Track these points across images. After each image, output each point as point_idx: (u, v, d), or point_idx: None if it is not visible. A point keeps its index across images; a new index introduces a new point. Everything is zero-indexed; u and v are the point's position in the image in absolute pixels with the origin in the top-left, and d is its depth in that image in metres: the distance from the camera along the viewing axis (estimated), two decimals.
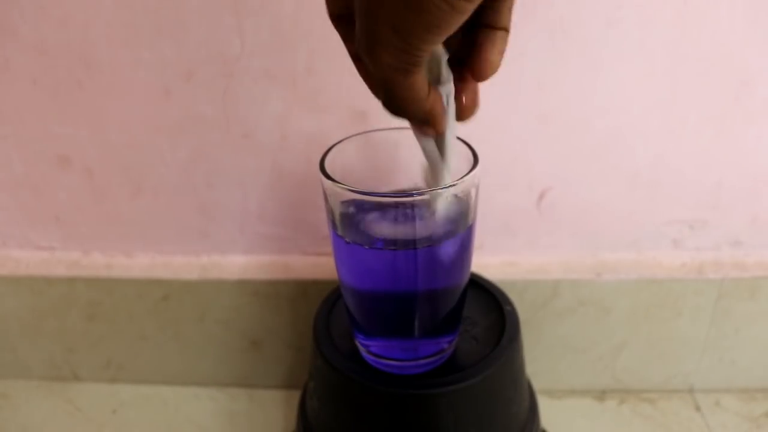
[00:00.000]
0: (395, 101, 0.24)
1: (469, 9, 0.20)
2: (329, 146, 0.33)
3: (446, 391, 0.35)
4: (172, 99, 0.46)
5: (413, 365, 0.36)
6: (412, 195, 0.30)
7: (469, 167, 0.31)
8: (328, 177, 0.31)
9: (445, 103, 0.26)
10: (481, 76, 0.26)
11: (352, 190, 0.30)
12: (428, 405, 0.35)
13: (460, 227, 0.32)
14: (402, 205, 0.31)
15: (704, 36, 0.42)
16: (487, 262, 0.51)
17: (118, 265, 0.53)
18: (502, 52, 0.26)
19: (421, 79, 0.23)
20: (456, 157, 0.29)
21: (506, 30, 0.25)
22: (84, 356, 0.57)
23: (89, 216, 0.52)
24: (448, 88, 0.27)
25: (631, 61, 0.43)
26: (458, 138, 0.33)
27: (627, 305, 0.51)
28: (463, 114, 0.27)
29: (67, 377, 0.58)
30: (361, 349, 0.37)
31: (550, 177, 0.48)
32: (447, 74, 0.26)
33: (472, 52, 0.26)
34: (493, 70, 0.26)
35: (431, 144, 0.28)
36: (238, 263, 0.52)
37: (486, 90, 0.44)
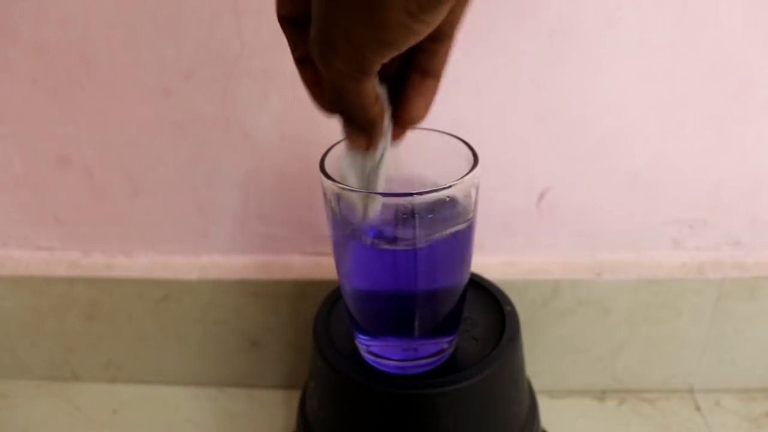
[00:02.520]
0: (342, 103, 0.24)
1: (425, 30, 0.20)
2: (329, 146, 0.33)
3: (446, 391, 0.35)
4: (172, 99, 0.46)
5: (413, 365, 0.36)
6: (412, 195, 0.30)
7: (469, 167, 0.31)
8: (328, 177, 0.31)
9: (380, 155, 0.27)
10: (403, 127, 0.27)
11: (352, 190, 0.30)
12: (428, 405, 0.35)
13: (460, 227, 0.32)
14: (402, 205, 0.31)
15: (704, 36, 0.42)
16: (487, 262, 0.51)
17: (118, 265, 0.53)
18: (428, 106, 0.26)
19: (370, 87, 0.24)
20: (381, 188, 0.29)
21: (437, 78, 0.26)
22: (84, 356, 0.57)
23: (89, 216, 0.52)
24: (386, 140, 0.27)
25: (630, 61, 0.43)
26: (458, 138, 0.33)
27: (627, 305, 0.51)
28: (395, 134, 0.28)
29: (67, 377, 0.58)
30: (361, 349, 0.37)
31: (549, 177, 0.48)
32: (386, 99, 0.26)
33: (399, 99, 0.26)
34: (416, 125, 0.27)
35: (358, 169, 0.28)
36: (238, 263, 0.52)
37: (486, 90, 0.44)
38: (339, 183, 0.30)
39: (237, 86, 0.45)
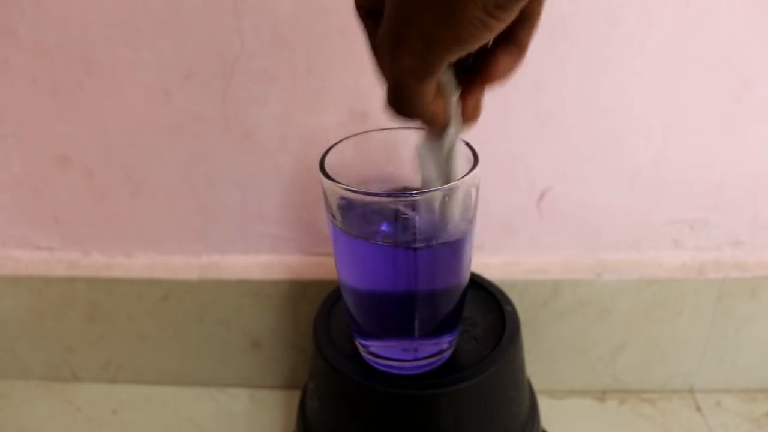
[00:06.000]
0: (402, 102, 0.25)
1: (499, 27, 0.21)
2: (329, 146, 0.33)
3: (446, 392, 0.35)
4: (172, 99, 0.46)
5: (413, 366, 0.36)
6: (412, 195, 0.30)
7: (469, 167, 0.31)
8: (328, 177, 0.31)
9: (449, 108, 0.27)
10: (489, 80, 0.27)
11: (352, 190, 0.30)
12: (428, 405, 0.35)
13: (460, 227, 0.32)
14: (402, 205, 0.31)
15: (705, 36, 0.42)
16: (487, 262, 0.51)
17: (118, 266, 0.53)
18: (514, 65, 0.27)
19: (431, 87, 0.24)
20: (460, 162, 0.29)
21: (522, 49, 0.26)
22: (84, 356, 0.57)
23: (89, 216, 0.52)
24: (452, 100, 0.27)
25: (631, 61, 0.43)
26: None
27: (627, 305, 0.51)
28: (464, 120, 0.28)
29: (66, 377, 0.58)
30: (361, 350, 0.37)
31: (550, 177, 0.48)
32: (451, 86, 0.26)
33: (487, 59, 0.26)
34: (503, 77, 0.27)
35: (436, 150, 0.29)
36: (238, 263, 0.52)
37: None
38: (339, 183, 0.30)
39: (237, 86, 0.45)
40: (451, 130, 0.28)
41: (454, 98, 0.27)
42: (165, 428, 0.54)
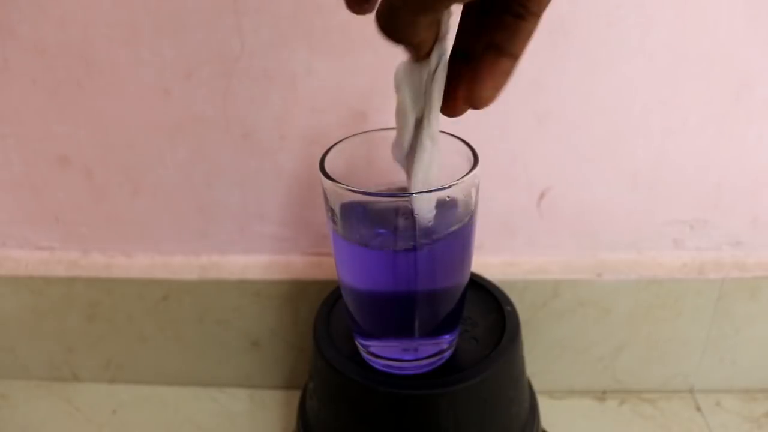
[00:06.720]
0: (392, 28, 0.22)
1: None
2: (329, 146, 0.33)
3: (446, 392, 0.35)
4: (172, 99, 0.46)
5: (413, 366, 0.36)
6: (412, 195, 0.30)
7: (469, 167, 0.31)
8: (328, 177, 0.31)
9: (435, 65, 0.25)
10: (471, 107, 0.25)
11: (352, 190, 0.30)
12: (428, 405, 0.35)
13: (460, 227, 0.32)
14: (402, 205, 0.31)
15: (704, 36, 0.42)
16: (487, 262, 0.51)
17: (118, 266, 0.53)
18: (499, 88, 0.25)
19: (426, 20, 0.22)
20: (440, 96, 0.27)
21: (514, 59, 0.24)
22: (83, 356, 0.57)
23: (89, 216, 0.52)
24: (442, 48, 0.25)
25: (630, 61, 0.43)
26: (458, 138, 0.33)
27: (627, 305, 0.51)
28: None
29: (66, 377, 0.58)
30: (362, 350, 0.37)
31: (550, 177, 0.48)
32: (446, 18, 0.24)
33: (470, 76, 0.25)
34: (485, 105, 0.25)
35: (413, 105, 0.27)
36: (238, 263, 0.52)
37: None
38: (339, 183, 0.30)
39: (237, 86, 0.45)
40: (434, 57, 0.25)
41: (447, 17, 0.24)
42: (165, 428, 0.54)
